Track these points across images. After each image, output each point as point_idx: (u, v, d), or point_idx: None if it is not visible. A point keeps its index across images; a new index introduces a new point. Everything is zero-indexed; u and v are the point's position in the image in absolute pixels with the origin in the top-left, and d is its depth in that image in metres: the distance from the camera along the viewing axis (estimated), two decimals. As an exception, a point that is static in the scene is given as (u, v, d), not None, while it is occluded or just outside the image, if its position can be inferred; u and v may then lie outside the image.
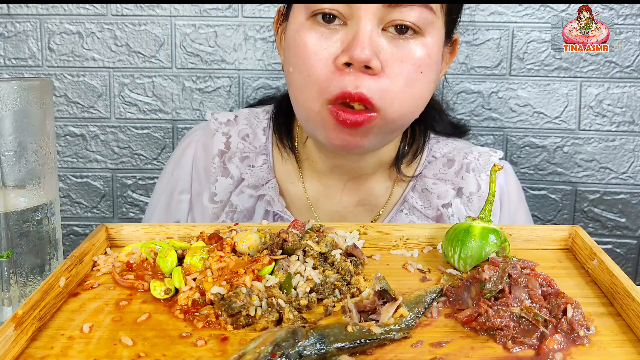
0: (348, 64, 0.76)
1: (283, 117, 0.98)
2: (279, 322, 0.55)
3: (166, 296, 0.59)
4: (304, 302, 0.58)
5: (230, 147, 0.97)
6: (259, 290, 0.57)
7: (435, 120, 1.00)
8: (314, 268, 0.62)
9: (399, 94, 0.78)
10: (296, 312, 0.56)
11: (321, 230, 0.69)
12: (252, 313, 0.55)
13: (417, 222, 0.93)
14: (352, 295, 0.60)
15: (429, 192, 0.94)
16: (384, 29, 0.77)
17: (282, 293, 0.58)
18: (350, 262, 0.64)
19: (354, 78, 0.76)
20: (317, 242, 0.64)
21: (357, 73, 0.76)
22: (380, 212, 0.96)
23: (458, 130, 1.05)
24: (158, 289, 0.59)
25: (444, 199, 0.93)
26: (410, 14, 0.76)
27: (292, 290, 0.59)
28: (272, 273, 0.60)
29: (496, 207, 0.97)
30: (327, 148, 0.85)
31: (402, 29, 0.77)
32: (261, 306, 0.56)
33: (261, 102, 1.09)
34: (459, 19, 0.88)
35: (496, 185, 0.96)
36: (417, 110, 0.84)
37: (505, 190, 0.98)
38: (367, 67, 0.75)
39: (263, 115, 1.01)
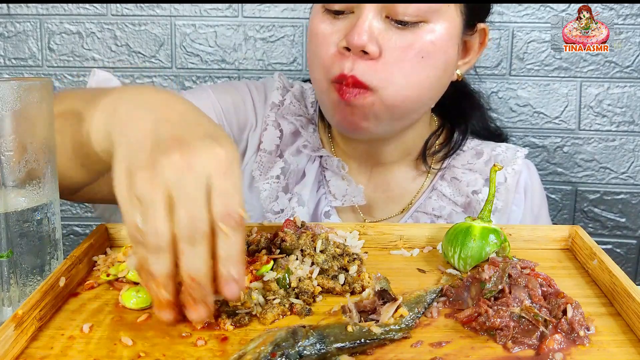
0: (349, 49, 0.79)
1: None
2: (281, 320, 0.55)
3: None
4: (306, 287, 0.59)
5: (284, 104, 0.99)
6: (257, 289, 0.57)
7: (474, 120, 1.02)
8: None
9: (395, 77, 0.80)
10: (302, 302, 0.57)
11: (304, 226, 0.68)
12: (253, 312, 0.55)
13: (446, 207, 0.94)
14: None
15: (457, 180, 0.96)
16: (387, 17, 0.79)
17: (279, 288, 0.58)
18: (353, 260, 0.65)
19: (351, 62, 0.80)
20: (314, 241, 0.64)
21: (354, 57, 0.79)
22: (412, 201, 0.97)
23: (496, 139, 1.04)
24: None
25: (473, 186, 0.94)
26: (411, 5, 0.78)
27: (289, 286, 0.59)
28: (270, 274, 0.60)
29: (520, 199, 0.98)
30: (338, 130, 0.88)
31: (402, 23, 0.79)
32: (259, 303, 0.56)
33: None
34: (490, 10, 0.90)
35: (521, 180, 0.99)
36: (422, 96, 0.84)
37: (530, 185, 1.00)
38: (365, 52, 0.79)
39: (311, 92, 1.02)
